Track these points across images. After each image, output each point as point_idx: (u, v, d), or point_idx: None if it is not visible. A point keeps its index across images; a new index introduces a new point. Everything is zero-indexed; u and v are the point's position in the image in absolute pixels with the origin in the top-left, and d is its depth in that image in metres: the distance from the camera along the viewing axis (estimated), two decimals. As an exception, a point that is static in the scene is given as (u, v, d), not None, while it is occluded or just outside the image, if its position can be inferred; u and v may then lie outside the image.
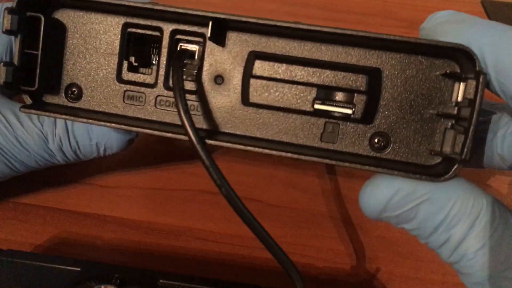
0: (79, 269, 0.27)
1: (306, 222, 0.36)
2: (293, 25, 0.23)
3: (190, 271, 0.32)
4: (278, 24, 0.24)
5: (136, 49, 0.27)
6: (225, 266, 0.33)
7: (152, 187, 0.37)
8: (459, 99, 0.24)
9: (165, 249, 0.33)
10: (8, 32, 0.24)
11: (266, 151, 0.24)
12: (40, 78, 0.25)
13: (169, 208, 0.36)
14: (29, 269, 0.27)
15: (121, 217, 0.35)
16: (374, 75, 0.25)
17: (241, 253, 0.33)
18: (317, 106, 0.25)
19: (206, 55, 0.26)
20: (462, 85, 0.24)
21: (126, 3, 0.25)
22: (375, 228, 0.35)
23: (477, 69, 0.22)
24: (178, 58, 0.25)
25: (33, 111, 0.26)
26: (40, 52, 0.25)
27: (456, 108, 0.24)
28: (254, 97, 0.25)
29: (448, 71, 0.24)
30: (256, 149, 0.24)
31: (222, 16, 0.24)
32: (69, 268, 0.27)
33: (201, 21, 0.25)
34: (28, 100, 0.26)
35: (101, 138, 0.30)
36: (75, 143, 0.30)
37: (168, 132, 0.25)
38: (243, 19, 0.24)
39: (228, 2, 0.61)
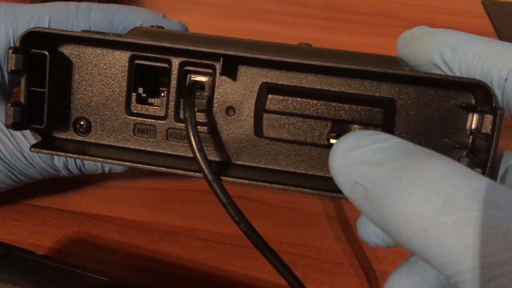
0: (106, 279, 0.26)
1: (306, 222, 0.36)
2: (305, 61, 0.23)
3: (190, 272, 0.32)
4: (291, 61, 0.23)
5: (143, 79, 0.27)
6: (225, 266, 0.33)
7: (152, 187, 0.37)
8: (473, 128, 0.24)
9: (165, 249, 0.33)
10: (13, 72, 0.24)
11: (282, 187, 0.24)
12: (48, 115, 0.25)
13: (169, 208, 0.36)
14: (62, 273, 0.26)
15: (121, 217, 0.35)
16: (388, 106, 0.24)
17: (242, 253, 0.33)
18: (333, 140, 0.25)
19: (216, 87, 0.26)
20: (476, 116, 0.24)
21: (133, 41, 0.24)
22: (375, 228, 0.35)
23: (494, 104, 0.22)
24: (188, 94, 0.24)
25: (43, 151, 0.25)
26: (47, 89, 0.25)
27: (471, 137, 0.24)
28: (268, 132, 0.25)
29: (464, 104, 0.24)
30: (273, 186, 0.24)
31: (233, 54, 0.23)
32: (98, 277, 0.26)
33: (210, 55, 0.25)
34: (37, 138, 0.26)
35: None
36: (81, 162, 0.30)
37: (182, 169, 0.25)
38: (255, 56, 0.23)
39: (229, 2, 0.61)
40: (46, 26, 0.30)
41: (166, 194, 0.37)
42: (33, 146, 0.25)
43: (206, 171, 0.22)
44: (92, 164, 0.30)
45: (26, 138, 0.29)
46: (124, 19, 0.32)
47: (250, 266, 0.33)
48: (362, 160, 0.19)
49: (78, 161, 0.30)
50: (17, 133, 0.28)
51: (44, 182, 0.36)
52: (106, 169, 0.31)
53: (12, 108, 0.24)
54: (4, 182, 0.30)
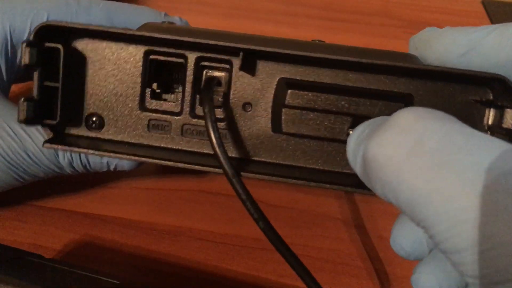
0: (118, 281, 0.26)
1: (307, 222, 0.35)
2: (331, 57, 0.23)
3: (190, 272, 0.32)
4: (311, 55, 0.23)
5: (158, 74, 0.26)
6: (225, 266, 0.33)
7: (152, 187, 0.37)
8: (490, 123, 0.24)
9: (165, 249, 0.33)
10: (26, 66, 0.23)
11: (302, 182, 0.24)
12: (61, 110, 0.25)
13: (169, 208, 0.36)
14: (73, 277, 0.26)
15: (121, 217, 0.35)
16: (407, 101, 0.24)
17: (242, 253, 0.33)
18: (350, 133, 0.25)
19: (233, 82, 0.25)
20: (493, 111, 0.24)
21: (149, 35, 0.24)
22: (375, 228, 0.35)
23: None
24: (207, 89, 0.24)
25: (56, 146, 0.25)
26: (60, 84, 0.24)
27: (488, 132, 0.24)
28: (287, 127, 0.25)
29: (482, 99, 0.24)
30: (292, 181, 0.24)
31: (254, 48, 0.23)
32: (109, 280, 0.26)
33: (229, 50, 0.24)
34: (49, 134, 0.25)
35: (112, 158, 0.30)
36: (86, 160, 0.30)
37: (199, 164, 0.24)
38: (277, 50, 0.23)
39: (229, 2, 0.61)
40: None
41: (166, 194, 0.37)
42: (47, 141, 0.25)
43: (225, 166, 0.22)
44: (97, 162, 0.30)
45: (30, 136, 0.28)
46: (124, 17, 0.32)
47: (250, 266, 0.33)
48: (366, 136, 0.19)
49: (83, 158, 0.30)
50: (20, 131, 0.28)
51: (45, 182, 0.36)
52: (112, 167, 0.30)
53: (24, 103, 0.23)
54: (7, 182, 0.30)
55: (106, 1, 0.32)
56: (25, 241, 0.33)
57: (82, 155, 0.29)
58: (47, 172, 0.30)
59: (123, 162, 0.30)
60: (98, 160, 0.30)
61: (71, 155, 0.29)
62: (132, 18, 0.32)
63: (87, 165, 0.30)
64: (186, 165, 0.24)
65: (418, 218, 0.16)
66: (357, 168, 0.20)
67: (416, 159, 0.16)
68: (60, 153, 0.29)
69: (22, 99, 0.23)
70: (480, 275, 0.15)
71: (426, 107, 0.17)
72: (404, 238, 0.23)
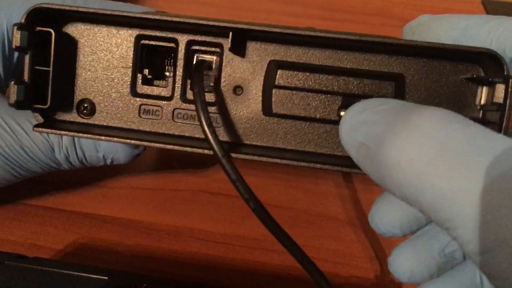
0: (106, 277, 0.26)
1: (306, 222, 0.35)
2: (316, 34, 0.23)
3: (190, 272, 0.32)
4: (301, 33, 0.23)
5: (150, 60, 0.26)
6: (225, 266, 0.33)
7: (152, 187, 0.37)
8: (483, 102, 0.23)
9: (165, 249, 0.33)
10: (17, 49, 0.23)
11: (292, 162, 0.24)
12: (52, 95, 0.25)
13: (169, 208, 0.36)
14: (56, 277, 0.26)
15: (121, 217, 0.35)
16: (398, 81, 0.24)
17: (242, 253, 0.33)
18: (343, 114, 0.24)
19: (224, 65, 0.26)
20: (485, 88, 0.23)
21: (141, 16, 0.24)
22: (375, 228, 0.35)
23: (505, 73, 0.21)
24: (197, 71, 0.24)
25: (46, 130, 0.25)
26: (51, 68, 0.24)
27: (481, 111, 0.24)
28: (277, 108, 0.25)
29: (473, 75, 0.24)
30: (283, 161, 0.24)
31: (243, 27, 0.23)
32: (96, 276, 0.26)
33: (218, 31, 0.24)
34: (39, 119, 0.25)
35: (108, 151, 0.30)
36: (82, 154, 0.30)
37: (190, 146, 0.24)
38: (266, 29, 0.23)
39: (229, 2, 0.61)
40: None
41: (166, 194, 0.37)
42: (36, 126, 0.25)
43: (215, 147, 0.22)
44: (93, 156, 0.30)
45: (25, 131, 0.28)
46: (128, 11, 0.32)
47: (250, 266, 0.33)
48: (364, 121, 0.19)
49: (79, 153, 0.30)
50: (16, 127, 0.28)
51: (44, 182, 0.36)
52: (108, 161, 0.30)
53: (15, 86, 0.23)
54: (3, 177, 0.30)
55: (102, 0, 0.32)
56: (25, 241, 0.33)
57: (79, 150, 0.29)
58: (44, 168, 0.30)
59: (119, 155, 0.30)
60: (95, 154, 0.30)
61: (67, 150, 0.29)
62: None
63: (84, 159, 0.30)
64: (175, 146, 0.24)
65: (443, 219, 0.16)
66: (352, 152, 0.20)
67: (439, 161, 0.16)
68: (56, 148, 0.29)
69: (13, 82, 0.23)
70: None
71: (445, 109, 0.17)
72: (380, 219, 0.25)
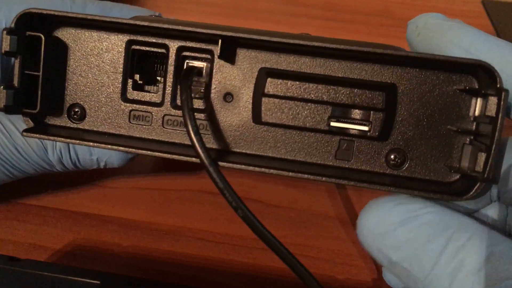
0: (98, 282, 0.26)
1: (306, 222, 0.35)
2: (305, 43, 0.23)
3: (190, 272, 0.32)
4: (290, 42, 0.23)
5: (140, 66, 0.26)
6: (225, 266, 0.33)
7: (152, 187, 0.37)
8: (477, 114, 0.23)
9: (164, 249, 0.33)
10: (7, 53, 0.23)
11: (279, 172, 0.23)
12: (42, 99, 0.25)
13: (169, 208, 0.36)
14: (48, 280, 0.26)
15: (121, 217, 0.35)
16: (390, 91, 0.24)
17: (242, 253, 0.33)
18: (333, 124, 0.24)
19: (214, 72, 0.25)
20: (480, 100, 0.23)
21: (131, 22, 0.24)
22: (375, 228, 0.35)
23: (498, 85, 0.21)
24: (186, 77, 0.24)
25: (35, 135, 0.25)
26: (41, 73, 0.24)
27: (474, 123, 0.23)
28: (266, 116, 0.25)
29: (467, 87, 0.23)
30: (270, 171, 0.24)
31: (232, 34, 0.23)
32: (89, 281, 0.26)
33: (209, 37, 0.24)
34: (29, 123, 0.25)
35: (102, 154, 0.30)
36: (75, 156, 0.30)
37: (178, 154, 0.24)
38: (254, 37, 0.23)
39: (229, 2, 0.61)
40: None
41: (166, 194, 0.37)
42: (26, 130, 0.25)
43: (202, 155, 0.22)
44: (87, 159, 0.30)
45: (19, 131, 0.28)
46: (119, 17, 0.32)
47: (250, 266, 0.33)
48: (395, 238, 0.20)
49: (73, 155, 0.29)
50: (10, 125, 0.28)
51: (44, 182, 0.36)
52: (102, 164, 0.30)
53: (4, 91, 0.23)
54: None
55: (100, 0, 0.32)
56: (25, 241, 0.33)
57: (72, 153, 0.29)
58: (36, 168, 0.30)
59: (113, 158, 0.30)
60: (88, 157, 0.30)
61: (60, 152, 0.29)
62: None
63: (77, 162, 0.30)
64: (164, 154, 0.24)
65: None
66: (385, 263, 0.22)
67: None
68: (50, 149, 0.29)
69: (2, 87, 0.23)
70: None
71: (487, 237, 0.19)
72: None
